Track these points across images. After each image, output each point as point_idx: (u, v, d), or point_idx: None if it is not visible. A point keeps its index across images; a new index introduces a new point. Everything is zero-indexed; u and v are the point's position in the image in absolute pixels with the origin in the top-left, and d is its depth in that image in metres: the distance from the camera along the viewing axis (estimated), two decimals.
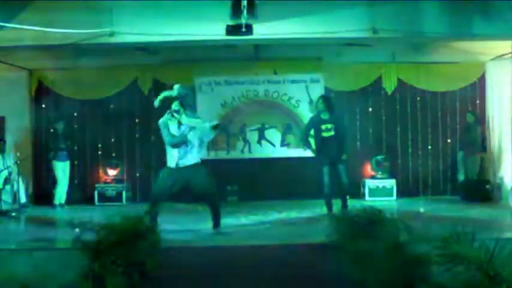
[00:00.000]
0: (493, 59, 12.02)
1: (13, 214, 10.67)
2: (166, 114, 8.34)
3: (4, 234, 9.13)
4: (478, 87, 12.58)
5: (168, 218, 8.91)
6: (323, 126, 9.92)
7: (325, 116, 9.98)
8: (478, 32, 9.29)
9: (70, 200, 11.92)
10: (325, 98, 10.32)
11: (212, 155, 12.50)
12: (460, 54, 11.81)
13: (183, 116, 8.25)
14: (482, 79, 12.49)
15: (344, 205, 9.80)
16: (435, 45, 11.35)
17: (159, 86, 12.18)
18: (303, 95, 12.58)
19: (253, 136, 12.69)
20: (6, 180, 11.00)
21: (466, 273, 3.52)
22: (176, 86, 8.48)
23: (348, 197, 9.97)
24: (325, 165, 9.89)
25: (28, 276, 3.76)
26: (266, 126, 12.67)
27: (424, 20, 9.26)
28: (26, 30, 8.49)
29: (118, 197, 12.15)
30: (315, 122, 10.08)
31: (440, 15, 9.27)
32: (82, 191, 12.52)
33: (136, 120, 12.74)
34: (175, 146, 8.21)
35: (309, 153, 10.53)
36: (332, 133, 9.88)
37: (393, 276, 4.10)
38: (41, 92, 12.68)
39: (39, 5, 8.97)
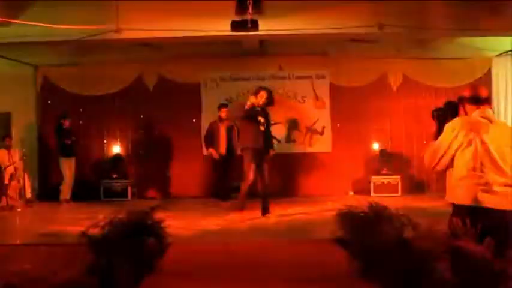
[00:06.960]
0: (499, 55, 11.99)
1: (18, 209, 10.73)
2: None
3: (9, 229, 9.18)
4: (484, 83, 12.51)
5: (176, 213, 9.12)
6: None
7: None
8: (484, 28, 9.28)
9: (75, 196, 11.96)
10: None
11: None
12: (466, 49, 11.78)
13: None
14: (488, 75, 12.40)
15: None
16: (441, 41, 11.32)
17: (164, 82, 12.25)
18: (308, 91, 12.59)
19: None
20: (12, 176, 11.06)
21: (470, 268, 3.52)
22: None
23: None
24: None
25: (32, 272, 3.76)
26: (271, 122, 12.57)
27: (429, 16, 9.24)
28: (32, 26, 8.52)
29: (123, 193, 12.19)
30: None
31: (446, 11, 9.24)
32: (87, 187, 12.55)
33: (142, 116, 12.77)
34: None
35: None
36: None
37: (399, 272, 4.11)
38: (46, 88, 12.72)
39: (45, 2, 9.02)
